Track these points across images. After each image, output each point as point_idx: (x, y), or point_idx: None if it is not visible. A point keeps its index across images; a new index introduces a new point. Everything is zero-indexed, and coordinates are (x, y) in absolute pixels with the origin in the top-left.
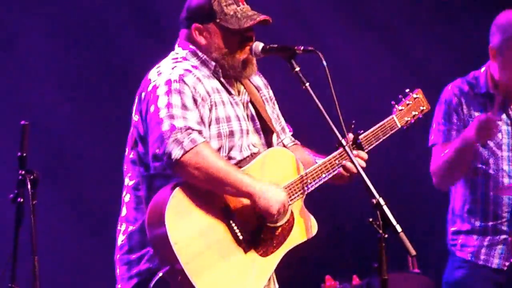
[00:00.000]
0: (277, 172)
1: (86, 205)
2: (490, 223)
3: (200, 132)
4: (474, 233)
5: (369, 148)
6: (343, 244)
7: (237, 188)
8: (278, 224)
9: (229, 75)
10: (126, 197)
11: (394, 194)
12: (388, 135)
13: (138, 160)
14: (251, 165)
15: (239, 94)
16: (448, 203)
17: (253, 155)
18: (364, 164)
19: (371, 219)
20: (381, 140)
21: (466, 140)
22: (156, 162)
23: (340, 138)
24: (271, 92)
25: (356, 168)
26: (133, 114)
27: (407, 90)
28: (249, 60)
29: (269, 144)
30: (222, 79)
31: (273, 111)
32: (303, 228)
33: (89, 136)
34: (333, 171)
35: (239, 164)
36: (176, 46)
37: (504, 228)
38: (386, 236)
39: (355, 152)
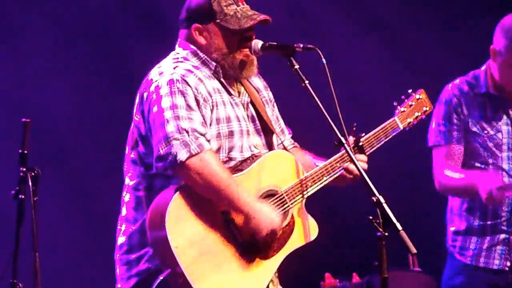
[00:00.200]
0: (278, 175)
1: (87, 202)
2: (489, 222)
3: (205, 136)
4: (473, 233)
5: (371, 151)
6: (343, 242)
7: (232, 203)
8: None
9: (230, 75)
10: (126, 197)
11: (394, 192)
12: (390, 137)
13: (139, 160)
14: (252, 168)
15: (239, 95)
16: (447, 202)
17: (254, 157)
18: (365, 166)
19: (371, 217)
20: (382, 142)
21: (473, 190)
22: (159, 162)
23: (340, 136)
24: (270, 94)
25: (356, 165)
26: (134, 113)
27: (409, 91)
28: (250, 60)
29: (269, 145)
30: (222, 80)
31: (272, 113)
32: (303, 231)
33: (90, 133)
34: (334, 173)
35: (240, 165)
36: (177, 46)
37: (504, 227)
38: (387, 234)
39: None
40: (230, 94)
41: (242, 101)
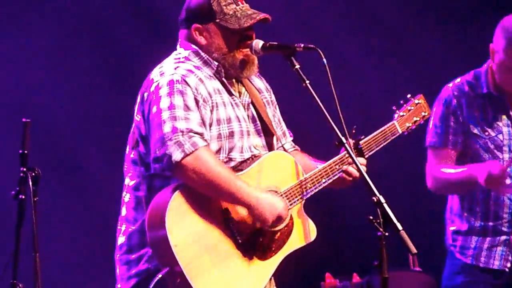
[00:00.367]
0: (277, 176)
1: (88, 202)
2: (490, 223)
3: (201, 135)
4: (474, 234)
5: (370, 154)
6: (343, 242)
7: (233, 196)
8: (277, 228)
9: (231, 75)
10: (126, 197)
11: (395, 192)
12: (389, 140)
13: (139, 160)
14: (251, 168)
15: (240, 96)
16: (446, 201)
17: (254, 157)
18: (364, 169)
19: (371, 217)
20: (381, 145)
21: (472, 179)
22: (156, 164)
23: (340, 136)
24: (273, 96)
25: (356, 165)
26: (135, 113)
27: (408, 96)
28: (250, 60)
29: (270, 146)
30: (224, 79)
31: (274, 115)
32: (302, 233)
33: (91, 133)
34: (333, 176)
35: (240, 166)
36: (178, 46)
37: (505, 229)
38: (387, 234)
39: (350, 159)
40: (231, 94)
41: (242, 101)
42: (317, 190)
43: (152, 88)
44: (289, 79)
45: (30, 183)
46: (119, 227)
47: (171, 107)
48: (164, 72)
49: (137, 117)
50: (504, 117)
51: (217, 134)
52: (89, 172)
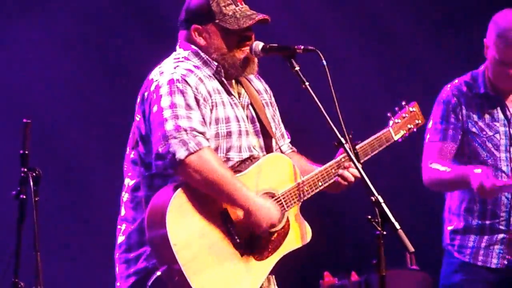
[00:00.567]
0: (275, 178)
1: (88, 202)
2: (488, 222)
3: (204, 134)
4: (472, 232)
5: (365, 159)
6: (342, 241)
7: (232, 198)
8: (274, 229)
9: (231, 75)
10: (125, 197)
11: (392, 192)
12: (383, 146)
13: (139, 160)
14: (249, 170)
15: (239, 96)
16: (444, 201)
17: (252, 159)
18: (357, 174)
19: (369, 217)
20: (376, 151)
21: (466, 182)
22: (159, 161)
23: (340, 136)
24: (272, 97)
25: (355, 165)
26: (135, 113)
27: (403, 103)
28: (250, 59)
29: (268, 147)
30: (223, 79)
31: (273, 116)
32: (298, 235)
33: (91, 134)
34: (329, 179)
35: (238, 166)
36: (177, 47)
37: (502, 227)
38: (385, 233)
39: (347, 164)
40: (230, 94)
41: (242, 102)
42: (313, 193)
43: (152, 88)
44: (288, 80)
45: (31, 183)
46: (118, 227)
47: (172, 105)
48: (164, 71)
49: (137, 117)
50: (501, 116)
51: (215, 133)
52: (90, 172)
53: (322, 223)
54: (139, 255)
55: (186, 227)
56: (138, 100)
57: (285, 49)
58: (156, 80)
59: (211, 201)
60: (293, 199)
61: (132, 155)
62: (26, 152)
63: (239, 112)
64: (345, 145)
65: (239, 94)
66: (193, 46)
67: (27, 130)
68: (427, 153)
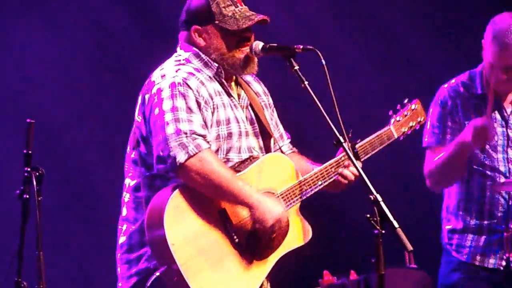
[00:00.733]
0: (275, 178)
1: (90, 202)
2: (485, 222)
3: (204, 137)
4: (469, 232)
5: (365, 157)
6: (341, 239)
7: (235, 197)
8: (274, 229)
9: (231, 76)
10: (126, 197)
11: (391, 191)
12: (384, 145)
13: (140, 160)
14: (249, 170)
15: (239, 98)
16: (442, 200)
17: (252, 159)
18: (357, 173)
19: (368, 215)
20: (377, 150)
21: (462, 145)
22: (160, 165)
23: (339, 136)
24: (270, 99)
25: (354, 164)
26: (136, 114)
27: (405, 101)
28: (250, 59)
29: (267, 148)
30: (223, 80)
31: (271, 118)
32: (297, 234)
33: (94, 134)
34: (329, 178)
35: (238, 167)
36: (178, 48)
37: (499, 227)
38: (383, 232)
39: (346, 162)
40: (230, 96)
41: (241, 103)
42: (313, 192)
43: (154, 90)
44: (288, 80)
45: (34, 182)
46: (120, 227)
47: (174, 109)
48: (166, 74)
49: (138, 118)
50: (498, 117)
51: (216, 135)
52: (92, 172)
53: (321, 222)
54: (140, 256)
55: (184, 227)
56: (139, 101)
57: (285, 48)
58: (158, 83)
59: (210, 201)
60: (293, 198)
61: (132, 155)
62: (30, 151)
63: (239, 114)
64: (344, 144)
65: (238, 95)
66: (193, 48)
67: (30, 130)
68: (428, 160)
